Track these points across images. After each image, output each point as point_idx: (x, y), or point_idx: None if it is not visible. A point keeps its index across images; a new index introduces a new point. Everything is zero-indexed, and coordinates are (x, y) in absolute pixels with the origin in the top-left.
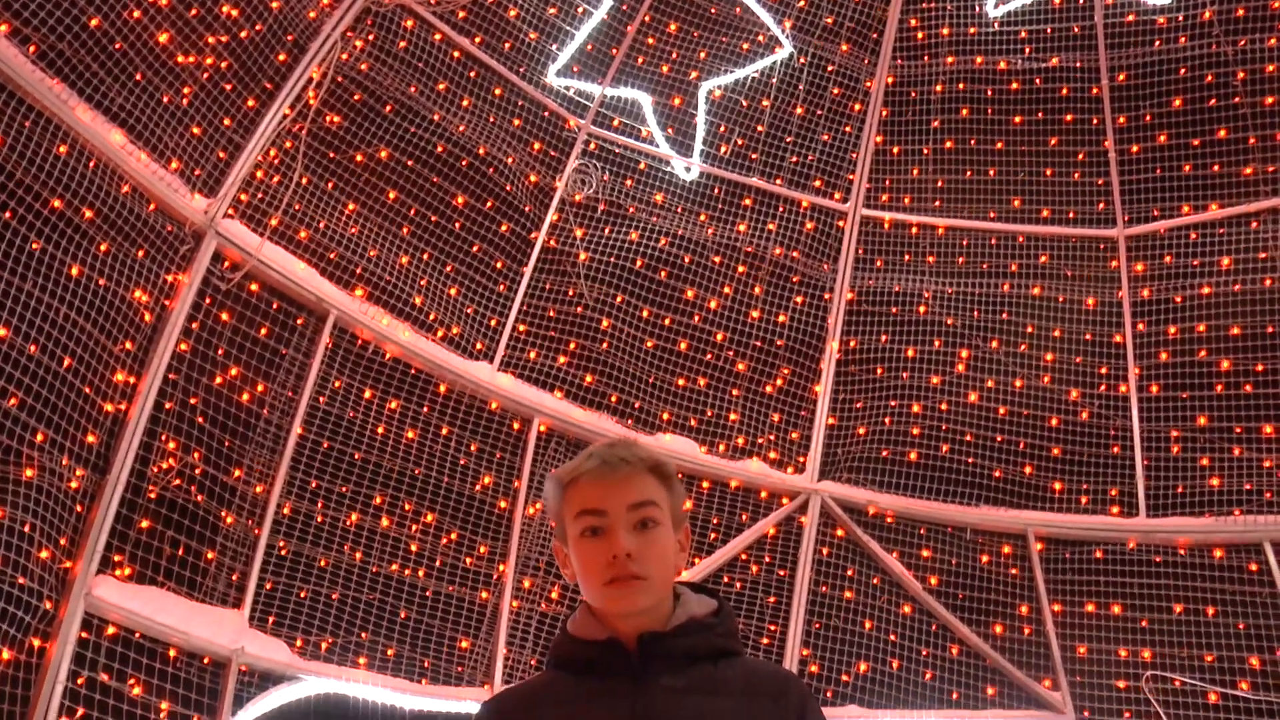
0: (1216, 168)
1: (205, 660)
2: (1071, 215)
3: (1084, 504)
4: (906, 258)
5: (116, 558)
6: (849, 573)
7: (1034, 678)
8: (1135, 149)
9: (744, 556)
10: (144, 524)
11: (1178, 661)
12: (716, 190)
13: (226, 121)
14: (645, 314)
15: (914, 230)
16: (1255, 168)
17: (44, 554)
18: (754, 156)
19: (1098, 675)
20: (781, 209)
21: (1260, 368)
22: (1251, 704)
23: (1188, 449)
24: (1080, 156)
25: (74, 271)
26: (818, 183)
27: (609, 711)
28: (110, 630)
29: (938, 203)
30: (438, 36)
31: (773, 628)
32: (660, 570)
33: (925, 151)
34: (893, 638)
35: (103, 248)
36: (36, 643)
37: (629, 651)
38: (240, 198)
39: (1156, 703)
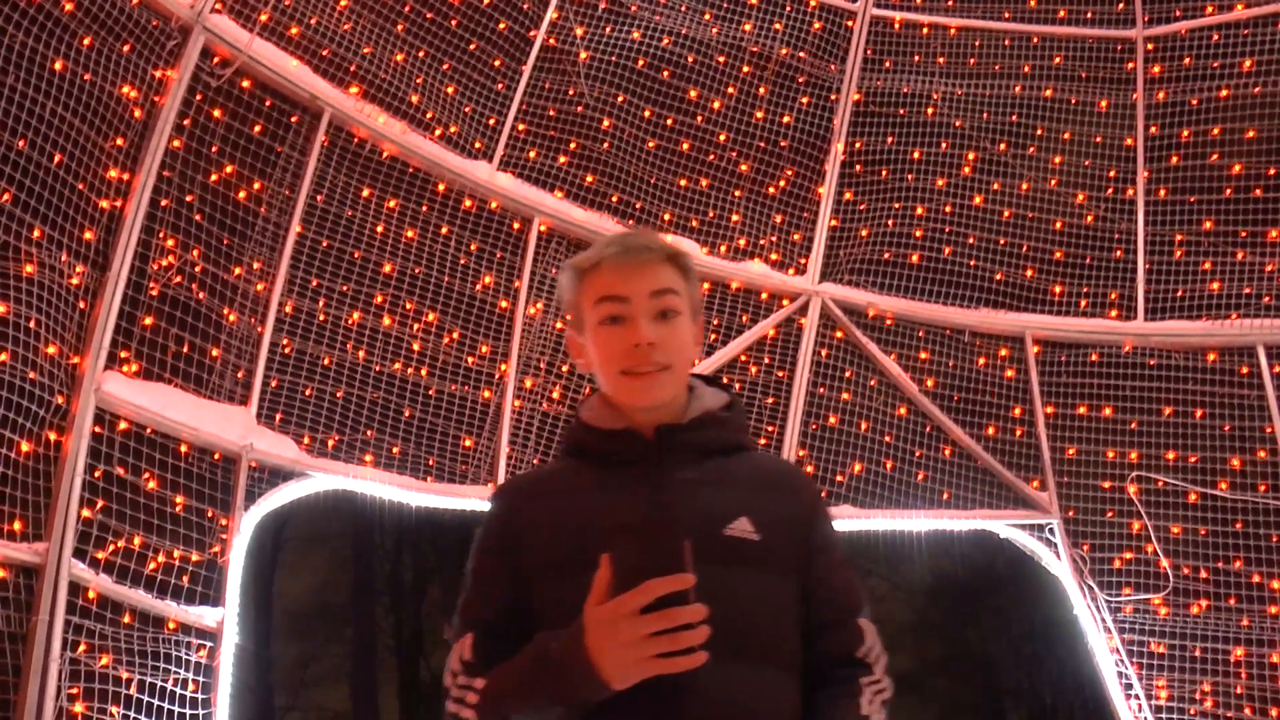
0: None
1: (216, 456)
2: (1089, 15)
3: (1083, 307)
4: (916, 59)
5: (123, 354)
6: (847, 374)
7: (1023, 479)
8: None
9: (743, 358)
10: (147, 321)
11: (1164, 463)
12: None
13: None
14: (647, 114)
15: (925, 30)
16: None
17: (51, 350)
18: None
19: (1085, 476)
20: (789, 8)
21: (1272, 171)
22: (1228, 503)
23: (1191, 253)
24: None
25: (57, 65)
26: None
27: (625, 501)
28: (122, 426)
29: (950, 2)
30: None
31: (770, 428)
32: (681, 361)
33: None
34: (887, 439)
35: (85, 41)
36: (53, 436)
37: (647, 442)
38: None
39: (1139, 502)
